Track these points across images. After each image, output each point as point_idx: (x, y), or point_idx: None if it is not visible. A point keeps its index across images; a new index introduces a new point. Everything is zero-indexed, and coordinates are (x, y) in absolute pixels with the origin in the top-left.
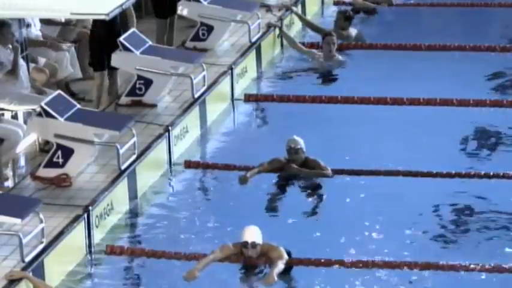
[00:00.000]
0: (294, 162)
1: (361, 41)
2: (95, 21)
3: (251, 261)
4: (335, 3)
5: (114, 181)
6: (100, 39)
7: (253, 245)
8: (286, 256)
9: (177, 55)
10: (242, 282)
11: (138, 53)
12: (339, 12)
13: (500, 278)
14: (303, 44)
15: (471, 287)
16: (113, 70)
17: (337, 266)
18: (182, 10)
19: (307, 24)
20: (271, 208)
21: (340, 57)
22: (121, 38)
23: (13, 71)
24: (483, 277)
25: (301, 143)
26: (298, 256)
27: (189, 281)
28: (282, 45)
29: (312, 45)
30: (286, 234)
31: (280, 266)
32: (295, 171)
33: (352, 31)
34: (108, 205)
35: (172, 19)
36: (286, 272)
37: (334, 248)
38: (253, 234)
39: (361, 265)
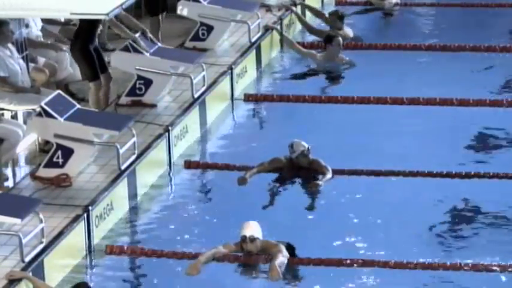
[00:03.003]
0: (302, 164)
1: (358, 41)
2: (73, 38)
3: (251, 259)
4: (337, 4)
5: (114, 181)
6: (83, 50)
7: (252, 238)
8: (286, 252)
9: (176, 55)
10: (243, 282)
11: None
12: (331, 14)
13: (501, 278)
14: (303, 44)
15: (471, 286)
16: (104, 73)
17: (337, 265)
18: (182, 10)
19: (305, 25)
20: (271, 208)
21: (347, 58)
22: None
23: None
24: (483, 277)
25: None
26: (298, 256)
27: (192, 275)
28: (281, 45)
29: (311, 45)
30: (286, 234)
31: (281, 258)
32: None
33: (349, 31)
34: (108, 205)
35: (162, 16)
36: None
37: (334, 247)
38: (251, 229)
39: (361, 264)
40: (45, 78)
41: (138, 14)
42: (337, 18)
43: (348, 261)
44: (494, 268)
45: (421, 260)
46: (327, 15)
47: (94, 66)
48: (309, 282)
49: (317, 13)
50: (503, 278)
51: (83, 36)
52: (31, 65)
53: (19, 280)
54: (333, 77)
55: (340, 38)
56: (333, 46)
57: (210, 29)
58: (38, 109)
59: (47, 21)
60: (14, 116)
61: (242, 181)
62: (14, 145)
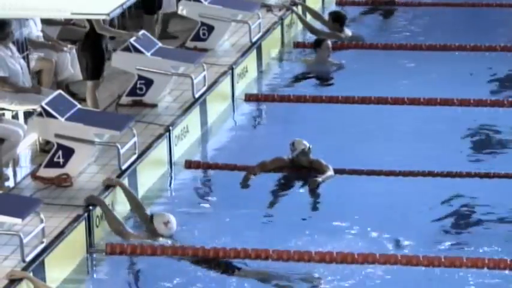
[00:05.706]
0: (303, 164)
1: (359, 40)
2: (85, 36)
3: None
4: (337, 4)
5: None
6: (96, 48)
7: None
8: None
9: (177, 55)
10: (243, 283)
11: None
12: (330, 16)
13: (500, 277)
14: (303, 44)
15: (470, 285)
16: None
17: (337, 262)
18: (182, 10)
19: (306, 25)
20: (272, 208)
21: (335, 61)
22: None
23: None
24: (483, 276)
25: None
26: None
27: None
28: (282, 44)
29: (311, 45)
30: (287, 234)
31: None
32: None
33: (348, 32)
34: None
35: (157, 14)
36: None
37: (333, 247)
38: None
39: (360, 263)
40: (51, 66)
41: (139, 14)
42: (336, 20)
43: (349, 259)
44: (494, 267)
45: (421, 259)
46: (325, 18)
47: (101, 65)
48: (309, 281)
49: (315, 15)
50: (504, 277)
51: (94, 34)
52: (34, 55)
53: (20, 280)
54: (333, 77)
55: (329, 42)
56: (322, 50)
57: (210, 29)
58: (39, 109)
59: (46, 22)
60: (15, 116)
61: (247, 179)
62: (15, 145)
